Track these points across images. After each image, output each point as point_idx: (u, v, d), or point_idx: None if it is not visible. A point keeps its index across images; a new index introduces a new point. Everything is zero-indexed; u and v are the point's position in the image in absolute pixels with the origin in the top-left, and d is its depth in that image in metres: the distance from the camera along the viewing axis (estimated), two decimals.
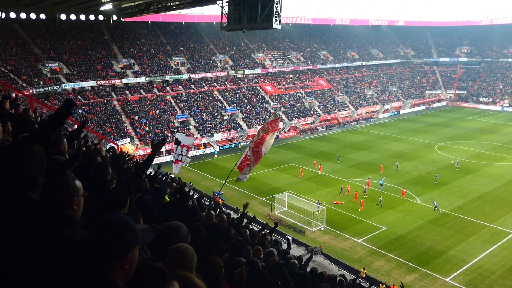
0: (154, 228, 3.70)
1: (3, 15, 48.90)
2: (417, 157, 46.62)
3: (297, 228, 29.52)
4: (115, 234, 1.84)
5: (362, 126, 67.50)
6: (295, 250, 22.70)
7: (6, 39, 50.67)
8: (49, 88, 48.69)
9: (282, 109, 65.43)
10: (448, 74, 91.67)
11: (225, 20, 30.70)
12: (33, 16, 48.77)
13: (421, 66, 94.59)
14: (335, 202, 33.85)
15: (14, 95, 31.23)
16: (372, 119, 72.25)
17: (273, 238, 13.13)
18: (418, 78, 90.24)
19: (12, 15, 48.06)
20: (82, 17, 53.29)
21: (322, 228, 29.52)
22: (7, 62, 47.26)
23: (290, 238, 25.89)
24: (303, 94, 71.30)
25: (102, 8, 46.18)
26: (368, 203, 33.46)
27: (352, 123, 69.03)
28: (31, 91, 43.82)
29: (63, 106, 3.74)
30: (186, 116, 56.42)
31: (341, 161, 45.82)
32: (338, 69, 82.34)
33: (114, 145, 27.15)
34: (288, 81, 73.39)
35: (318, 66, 78.91)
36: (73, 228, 2.27)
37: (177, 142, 18.69)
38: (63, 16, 52.45)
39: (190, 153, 50.34)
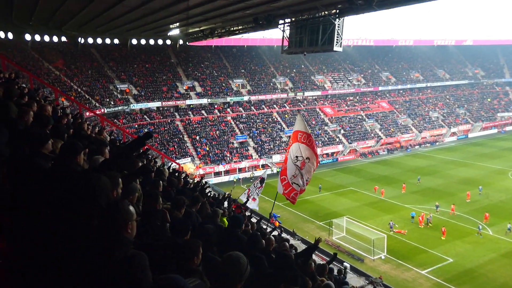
0: (213, 259, 3.77)
1: (82, 41, 53.24)
2: (488, 184, 43.58)
3: (355, 255, 28.55)
4: None
5: (427, 150, 64.62)
6: (355, 280, 21.93)
7: (84, 62, 54.82)
8: (119, 108, 51.75)
9: (342, 131, 64.47)
10: None
11: (286, 43, 31.09)
12: (108, 41, 52.64)
13: (492, 87, 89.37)
14: (396, 231, 32.35)
15: (87, 113, 33.47)
16: (437, 143, 68.99)
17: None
18: (489, 99, 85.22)
19: (90, 40, 52.26)
20: (151, 41, 56.80)
21: (383, 257, 28.31)
22: (83, 84, 50.97)
23: (348, 265, 25.15)
24: (364, 116, 69.88)
25: (170, 33, 48.65)
26: (433, 232, 31.72)
27: (416, 147, 66.31)
28: (102, 110, 46.81)
29: (143, 137, 3.95)
30: (245, 137, 57.29)
31: (402, 186, 43.94)
32: (401, 91, 79.97)
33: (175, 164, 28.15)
34: (348, 103, 72.37)
35: (380, 88, 77.19)
36: (126, 249, 2.39)
37: (262, 181, 18.81)
38: (134, 41, 56.26)
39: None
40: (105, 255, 2.34)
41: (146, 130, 51.98)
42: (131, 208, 2.62)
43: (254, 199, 18.64)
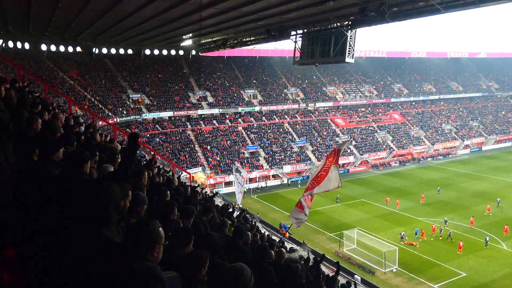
0: (220, 265, 3.75)
1: (97, 51, 54.11)
2: (502, 198, 42.75)
3: (366, 268, 28.18)
4: (142, 285, 1.82)
5: (439, 162, 63.87)
6: None
7: (98, 72, 55.62)
8: (131, 117, 52.26)
9: (353, 142, 64.16)
10: None
11: (298, 54, 31.21)
12: (121, 51, 53.45)
13: (506, 100, 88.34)
14: (408, 243, 31.95)
15: (100, 123, 33.83)
16: (450, 155, 68.18)
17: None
18: (503, 112, 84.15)
19: (104, 50, 53.11)
20: (164, 52, 57.50)
21: (394, 270, 27.89)
22: (97, 93, 51.65)
23: (359, 278, 24.85)
24: (376, 128, 69.48)
25: (183, 44, 49.23)
26: (446, 245, 31.21)
27: (428, 159, 65.62)
28: (115, 119, 47.30)
29: (129, 141, 3.97)
30: (256, 147, 57.30)
31: (415, 199, 43.42)
32: (413, 103, 79.44)
33: (186, 174, 28.25)
34: (360, 114, 72.08)
35: (392, 100, 76.77)
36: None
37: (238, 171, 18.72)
38: (147, 51, 57.00)
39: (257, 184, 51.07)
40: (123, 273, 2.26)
41: (158, 139, 52.37)
42: (161, 230, 2.49)
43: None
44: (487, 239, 31.30)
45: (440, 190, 45.65)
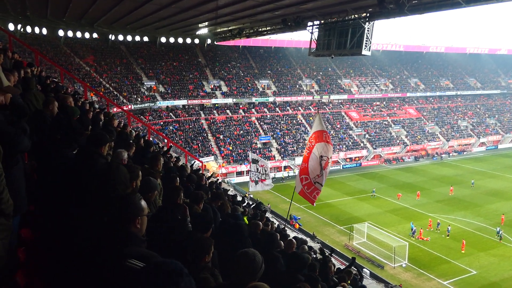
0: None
1: (113, 37, 54.42)
2: None
3: (376, 262, 28.12)
4: (171, 284, 1.77)
5: (454, 159, 63.06)
6: (374, 287, 21.60)
7: (113, 59, 55.93)
8: (145, 105, 52.56)
9: (367, 136, 63.68)
10: None
11: (313, 45, 30.96)
12: (137, 38, 53.66)
13: None
14: (419, 238, 31.80)
15: (115, 109, 34.06)
16: (465, 152, 67.24)
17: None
18: None
19: (120, 37, 53.37)
20: (180, 40, 57.52)
21: (404, 265, 27.79)
22: (112, 80, 52.02)
23: (368, 271, 24.80)
24: (390, 122, 68.78)
25: (199, 32, 49.19)
26: (456, 243, 30.95)
27: (443, 155, 64.79)
28: (129, 107, 47.66)
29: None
30: (269, 138, 57.26)
31: (427, 195, 43.03)
32: (430, 98, 78.28)
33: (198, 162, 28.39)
34: (375, 108, 71.38)
35: (408, 94, 75.77)
36: (134, 245, 2.37)
37: (255, 161, 18.75)
38: (163, 39, 57.14)
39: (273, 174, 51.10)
40: (111, 250, 2.30)
41: (171, 127, 52.67)
42: (142, 202, 2.57)
43: (263, 179, 18.41)
44: (501, 232, 31.74)
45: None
